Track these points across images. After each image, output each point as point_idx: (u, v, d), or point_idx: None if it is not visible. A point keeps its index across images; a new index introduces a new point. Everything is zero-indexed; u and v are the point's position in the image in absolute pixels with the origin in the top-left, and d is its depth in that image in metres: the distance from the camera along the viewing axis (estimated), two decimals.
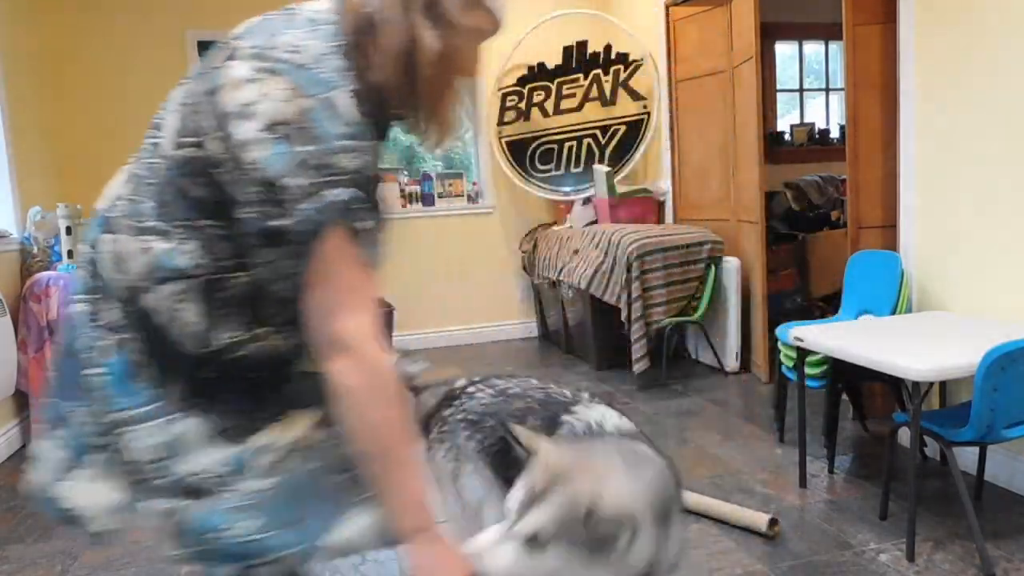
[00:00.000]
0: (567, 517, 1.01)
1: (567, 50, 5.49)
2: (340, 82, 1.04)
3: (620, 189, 5.05)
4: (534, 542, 1.02)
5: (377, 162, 1.12)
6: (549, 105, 5.53)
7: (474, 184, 5.88)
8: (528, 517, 1.03)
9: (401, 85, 1.09)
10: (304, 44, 1.04)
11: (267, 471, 1.10)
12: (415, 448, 1.03)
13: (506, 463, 1.20)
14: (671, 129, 5.03)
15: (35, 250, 3.95)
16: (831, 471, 2.97)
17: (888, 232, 3.33)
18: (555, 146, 5.53)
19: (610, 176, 5.01)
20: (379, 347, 1.02)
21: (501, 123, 5.55)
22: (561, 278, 4.97)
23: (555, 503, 1.02)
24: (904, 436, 3.00)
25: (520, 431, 1.11)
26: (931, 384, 2.89)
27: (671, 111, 5.01)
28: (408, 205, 5.68)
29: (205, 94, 1.06)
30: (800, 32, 6.79)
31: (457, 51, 1.11)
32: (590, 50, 5.45)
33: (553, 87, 5.53)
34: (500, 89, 5.53)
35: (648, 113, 5.24)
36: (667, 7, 4.89)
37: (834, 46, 6.96)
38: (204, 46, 4.97)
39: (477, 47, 1.16)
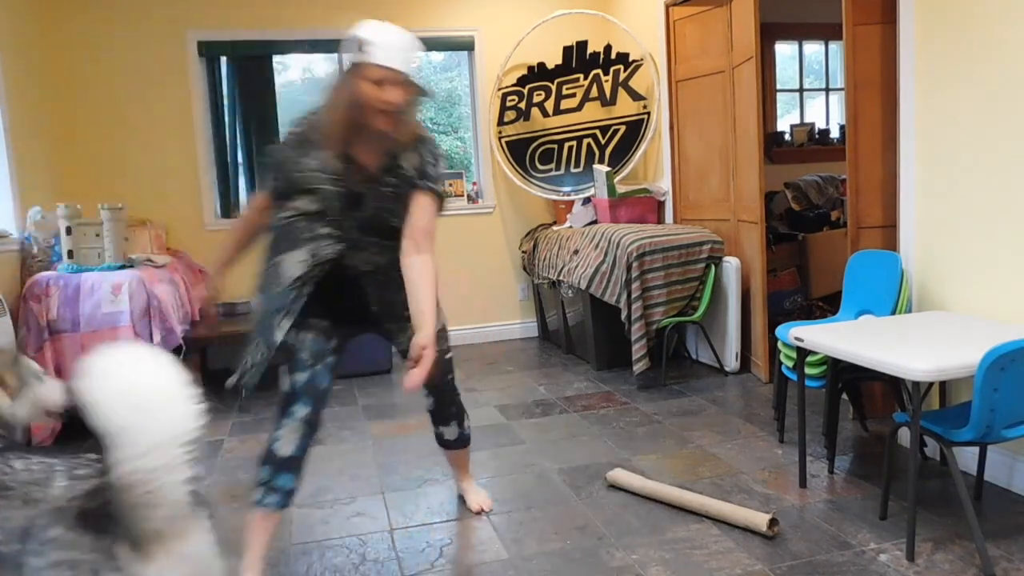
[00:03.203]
0: None
1: (567, 50, 5.49)
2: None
3: (620, 189, 5.05)
4: None
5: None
6: (549, 105, 5.53)
7: (474, 184, 5.88)
8: None
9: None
10: None
11: None
12: None
13: None
14: (671, 129, 5.03)
15: (35, 250, 3.95)
16: (831, 471, 2.97)
17: (888, 232, 3.33)
18: (555, 146, 5.53)
19: (610, 176, 5.01)
20: None
21: (501, 123, 5.55)
22: (561, 278, 4.97)
23: None
24: (904, 436, 3.00)
25: None
26: (931, 384, 2.90)
27: (671, 111, 5.02)
28: None
29: None
30: (800, 32, 6.79)
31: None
32: (590, 50, 5.45)
33: (553, 87, 5.53)
34: (500, 89, 5.53)
35: (648, 113, 5.24)
36: (667, 7, 4.89)
37: (834, 46, 6.96)
38: (204, 46, 4.84)
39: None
